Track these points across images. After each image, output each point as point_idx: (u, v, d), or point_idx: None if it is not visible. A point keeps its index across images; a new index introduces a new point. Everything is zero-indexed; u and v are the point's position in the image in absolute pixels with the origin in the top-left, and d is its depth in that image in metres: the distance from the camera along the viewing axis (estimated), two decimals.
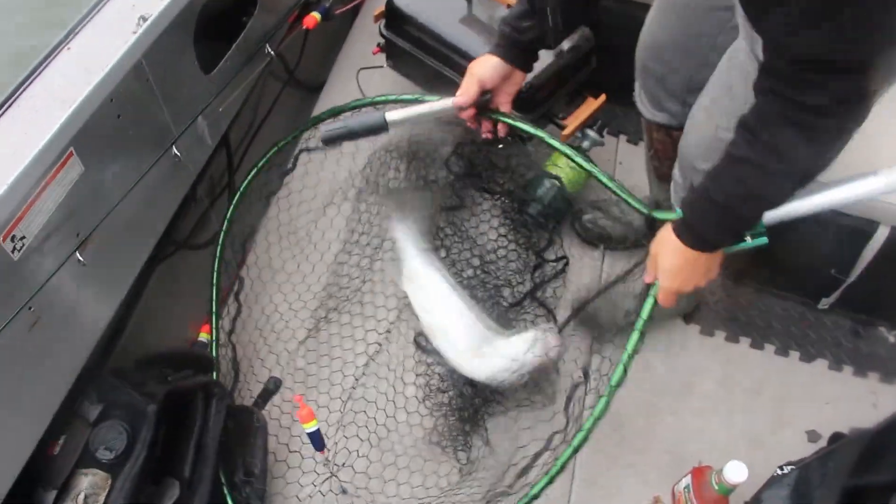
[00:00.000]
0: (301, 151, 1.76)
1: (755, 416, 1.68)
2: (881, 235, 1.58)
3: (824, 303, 1.79)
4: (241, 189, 1.72)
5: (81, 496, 1.27)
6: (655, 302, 1.21)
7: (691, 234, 1.11)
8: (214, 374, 1.60)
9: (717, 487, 1.39)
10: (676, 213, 1.16)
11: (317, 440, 1.46)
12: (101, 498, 1.28)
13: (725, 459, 1.56)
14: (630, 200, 1.32)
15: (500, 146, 1.69)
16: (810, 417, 1.68)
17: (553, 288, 1.75)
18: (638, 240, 1.77)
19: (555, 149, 1.38)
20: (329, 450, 1.52)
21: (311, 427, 1.43)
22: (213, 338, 1.64)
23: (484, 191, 1.84)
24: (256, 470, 1.50)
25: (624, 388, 1.65)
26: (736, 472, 1.35)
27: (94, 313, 1.36)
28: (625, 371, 1.23)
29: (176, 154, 1.47)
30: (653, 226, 1.28)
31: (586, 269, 1.84)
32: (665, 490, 1.56)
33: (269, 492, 1.53)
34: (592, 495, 1.55)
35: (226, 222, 1.71)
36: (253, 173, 1.72)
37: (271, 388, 1.62)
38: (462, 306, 1.61)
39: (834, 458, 1.31)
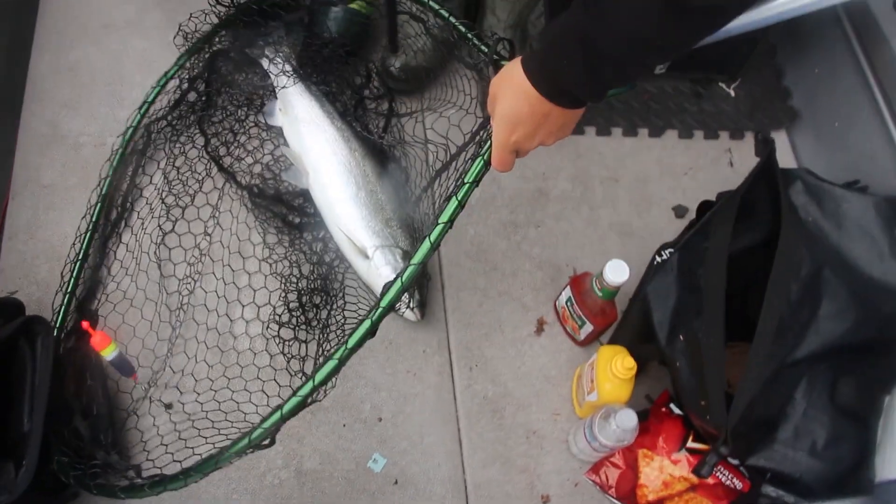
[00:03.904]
0: None
1: (618, 205, 1.57)
2: None
3: (660, 67, 1.67)
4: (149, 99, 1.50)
5: None
6: (486, 165, 0.97)
7: (549, 80, 0.84)
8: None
9: (600, 293, 1.28)
10: None
11: (122, 366, 1.26)
12: None
13: (599, 259, 1.46)
14: (472, 38, 1.10)
15: None
16: (673, 192, 1.60)
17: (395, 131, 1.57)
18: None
19: None
20: (155, 372, 1.33)
21: (109, 353, 1.23)
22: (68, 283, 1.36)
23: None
24: (99, 409, 1.28)
25: (476, 212, 1.52)
26: (616, 272, 1.23)
27: None
28: (433, 243, 0.99)
29: None
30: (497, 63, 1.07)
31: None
32: (547, 309, 1.45)
33: (118, 425, 1.30)
34: (472, 338, 1.42)
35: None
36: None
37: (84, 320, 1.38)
38: (345, 152, 1.44)
39: (711, 229, 1.22)
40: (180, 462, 1.14)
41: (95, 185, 1.44)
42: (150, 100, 1.52)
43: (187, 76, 1.56)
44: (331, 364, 0.95)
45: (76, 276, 1.36)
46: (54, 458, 1.19)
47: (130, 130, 1.49)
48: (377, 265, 1.34)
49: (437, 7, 1.24)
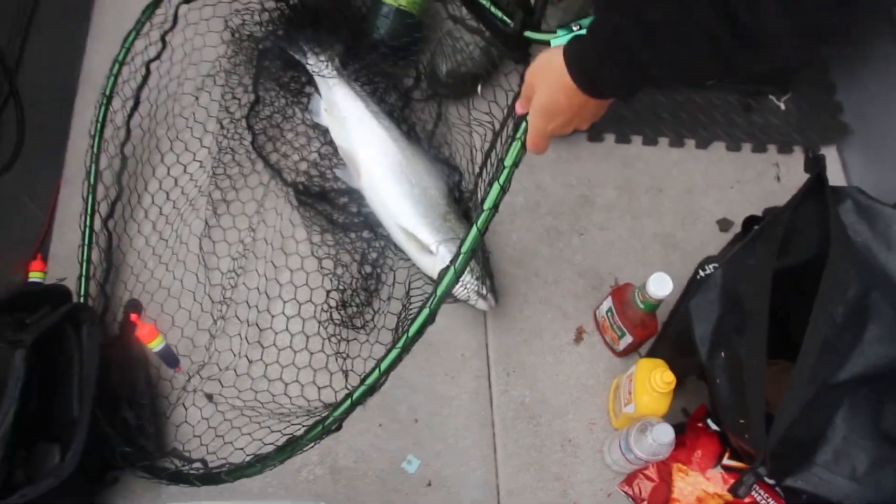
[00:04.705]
0: (181, 3, 1.50)
1: (662, 215, 1.56)
2: None
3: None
4: (120, 58, 1.46)
5: None
6: (523, 147, 1.01)
7: (588, 77, 0.86)
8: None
9: (642, 305, 1.27)
10: (559, 36, 0.93)
11: (168, 357, 1.30)
12: None
13: (641, 270, 1.46)
14: (491, 8, 1.11)
15: None
16: (718, 205, 1.58)
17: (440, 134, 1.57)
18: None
19: None
20: (196, 364, 1.35)
21: (156, 345, 1.28)
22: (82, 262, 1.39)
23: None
24: (143, 400, 1.31)
25: (520, 218, 1.52)
26: (660, 286, 1.23)
27: None
28: (480, 230, 1.01)
29: None
30: (521, 45, 1.08)
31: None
32: (587, 318, 1.45)
33: (159, 413, 1.33)
34: (511, 343, 1.42)
35: (103, 99, 1.46)
36: (132, 38, 1.48)
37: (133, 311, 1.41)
38: (395, 151, 1.45)
39: (757, 246, 1.21)
40: (231, 443, 1.19)
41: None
42: (120, 59, 1.48)
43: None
44: (394, 353, 1.00)
45: (87, 259, 1.39)
46: (117, 449, 1.22)
47: (105, 99, 1.48)
48: (444, 259, 1.34)
49: None
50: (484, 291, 1.36)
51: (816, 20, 0.68)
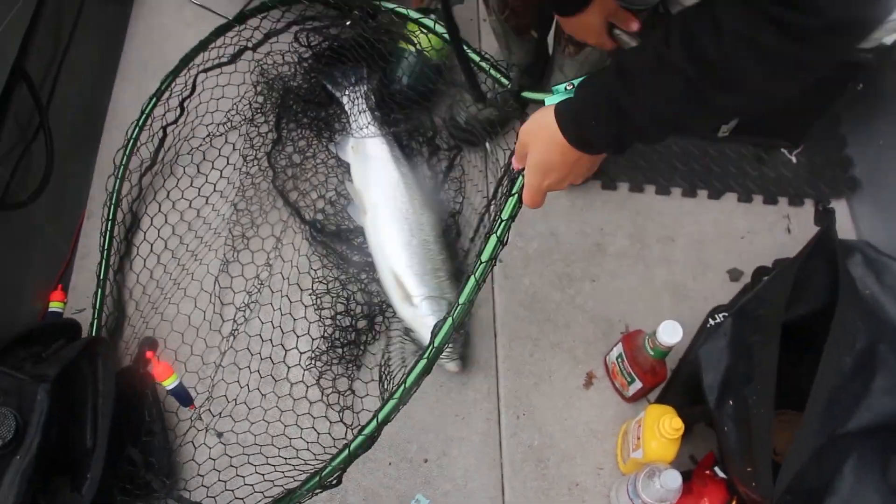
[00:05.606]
0: (200, 72, 1.57)
1: (674, 265, 1.58)
2: None
3: (724, 130, 1.68)
4: (140, 122, 1.54)
5: None
6: (519, 202, 1.04)
7: (578, 134, 0.90)
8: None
9: (652, 352, 1.29)
10: (553, 94, 0.96)
11: (181, 396, 1.31)
12: None
13: (651, 317, 1.48)
14: (492, 72, 1.15)
15: (348, 23, 1.48)
16: (729, 255, 1.60)
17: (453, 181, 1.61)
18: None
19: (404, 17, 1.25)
20: (210, 399, 1.37)
21: (171, 383, 1.29)
22: (97, 301, 1.43)
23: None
24: (149, 437, 1.33)
25: (532, 264, 1.55)
26: (670, 333, 1.24)
27: None
28: (478, 280, 1.03)
29: None
30: (521, 102, 1.12)
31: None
32: (597, 364, 1.46)
33: (167, 448, 1.34)
34: (521, 386, 1.44)
35: (121, 168, 1.52)
36: (151, 104, 1.55)
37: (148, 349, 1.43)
38: (404, 199, 1.48)
39: (767, 296, 1.22)
40: (233, 491, 1.20)
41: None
42: (140, 123, 1.55)
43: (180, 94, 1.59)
44: (391, 403, 1.00)
45: (102, 295, 1.43)
46: (116, 497, 1.23)
47: (131, 143, 1.54)
48: (423, 314, 1.37)
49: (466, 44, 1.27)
50: (455, 356, 1.38)
51: (778, 55, 0.70)
